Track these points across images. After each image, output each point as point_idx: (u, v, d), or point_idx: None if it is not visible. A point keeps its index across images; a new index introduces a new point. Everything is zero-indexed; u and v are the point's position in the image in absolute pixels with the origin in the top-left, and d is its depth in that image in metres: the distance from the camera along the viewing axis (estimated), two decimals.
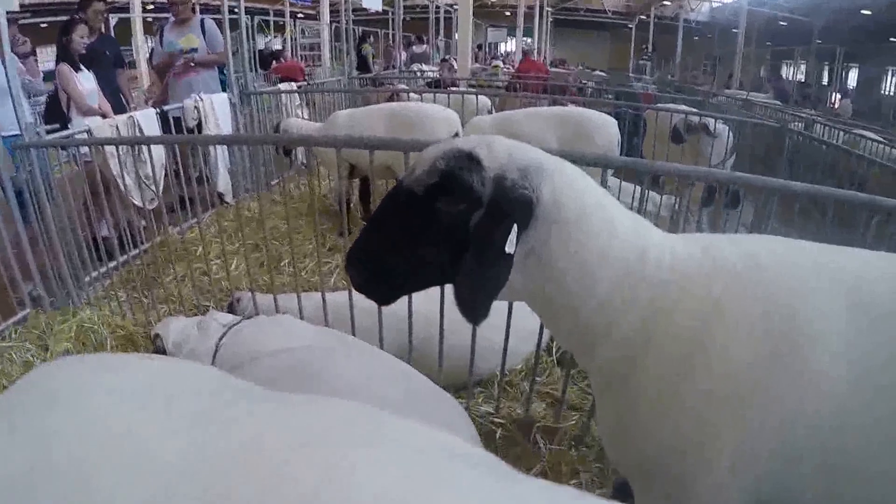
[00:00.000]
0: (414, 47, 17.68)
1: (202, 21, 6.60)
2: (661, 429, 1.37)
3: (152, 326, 3.27)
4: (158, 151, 4.66)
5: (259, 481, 0.69)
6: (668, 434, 1.36)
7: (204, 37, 6.50)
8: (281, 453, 0.74)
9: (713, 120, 6.21)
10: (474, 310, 1.34)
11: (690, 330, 1.33)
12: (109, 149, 4.30)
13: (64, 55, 5.44)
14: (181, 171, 5.08)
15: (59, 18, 8.17)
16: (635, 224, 1.45)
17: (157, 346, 2.97)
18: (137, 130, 4.95)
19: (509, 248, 1.31)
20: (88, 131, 4.48)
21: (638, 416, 1.41)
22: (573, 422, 2.93)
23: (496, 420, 2.96)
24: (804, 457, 1.26)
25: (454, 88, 9.91)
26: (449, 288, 1.41)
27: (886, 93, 19.40)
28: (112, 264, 4.29)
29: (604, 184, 2.49)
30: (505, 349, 2.80)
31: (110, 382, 0.91)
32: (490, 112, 7.55)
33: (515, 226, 1.31)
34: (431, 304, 2.69)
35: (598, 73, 21.50)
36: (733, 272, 1.35)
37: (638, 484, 1.56)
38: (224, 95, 6.54)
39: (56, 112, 5.68)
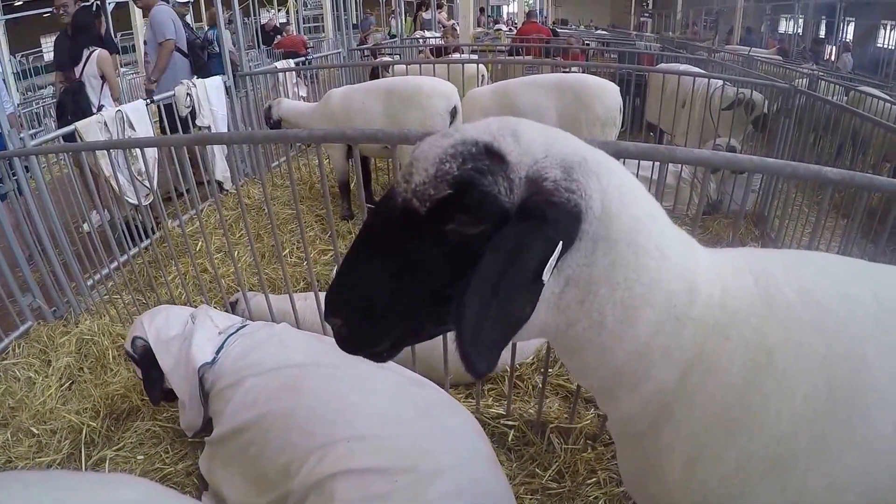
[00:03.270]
0: (424, 14, 17.42)
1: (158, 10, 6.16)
2: (692, 488, 1.18)
3: None
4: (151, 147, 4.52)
5: None
6: (699, 494, 1.17)
7: (152, 27, 6.12)
8: None
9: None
10: (484, 359, 0.96)
11: (738, 387, 1.10)
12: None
13: (95, 40, 5.43)
14: (177, 163, 5.01)
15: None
16: (682, 241, 1.16)
17: (137, 348, 2.71)
18: (126, 124, 4.80)
19: (546, 274, 0.97)
20: (75, 131, 4.37)
21: (668, 472, 1.20)
22: (588, 421, 2.83)
23: (508, 423, 2.86)
24: None
25: (455, 56, 9.72)
26: None
27: (884, 46, 19.15)
28: (113, 266, 4.18)
29: None
30: (514, 347, 2.67)
31: None
32: (484, 81, 7.39)
33: (560, 245, 0.97)
34: None
35: (599, 31, 21.23)
36: (790, 315, 1.10)
37: None
38: (218, 79, 6.35)
39: (75, 105, 5.41)
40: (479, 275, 0.94)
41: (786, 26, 23.87)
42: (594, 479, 2.59)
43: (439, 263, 1.02)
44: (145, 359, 2.70)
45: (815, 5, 20.40)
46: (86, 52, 5.50)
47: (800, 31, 21.18)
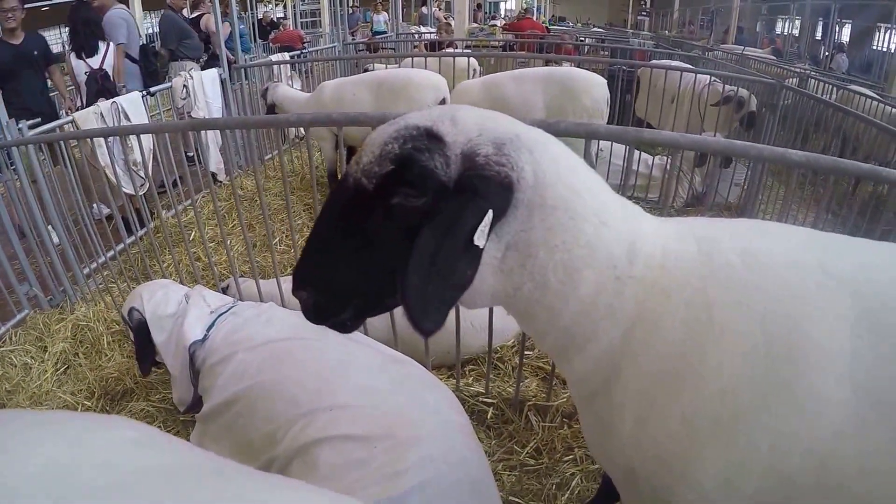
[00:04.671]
0: (423, 9, 17.63)
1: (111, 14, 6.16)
2: (643, 445, 1.23)
3: None
4: (146, 136, 4.60)
5: None
6: (650, 450, 1.22)
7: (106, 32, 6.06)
8: None
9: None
10: (426, 319, 1.07)
11: (680, 343, 1.16)
12: (97, 139, 4.19)
13: (101, 33, 5.88)
14: (171, 153, 5.06)
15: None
16: (625, 211, 1.25)
17: (133, 320, 2.80)
18: (122, 116, 4.89)
19: (479, 239, 1.07)
20: (72, 122, 4.45)
21: (620, 430, 1.27)
22: (564, 399, 2.92)
23: (487, 400, 2.96)
24: (798, 478, 1.11)
25: (447, 50, 9.78)
26: None
27: (879, 48, 19.21)
28: (110, 254, 4.27)
29: (587, 155, 2.31)
30: (490, 327, 2.76)
31: None
32: (475, 75, 7.47)
33: (490, 212, 1.08)
34: None
35: (595, 29, 21.29)
36: (731, 275, 1.16)
37: (623, 488, 1.45)
38: (213, 71, 6.44)
39: (106, 88, 5.69)
40: (417, 244, 1.06)
41: (782, 27, 23.91)
42: (570, 457, 2.68)
43: (388, 237, 1.13)
44: (140, 331, 2.80)
45: (811, 6, 20.44)
46: (102, 45, 5.81)
47: (796, 32, 21.24)
